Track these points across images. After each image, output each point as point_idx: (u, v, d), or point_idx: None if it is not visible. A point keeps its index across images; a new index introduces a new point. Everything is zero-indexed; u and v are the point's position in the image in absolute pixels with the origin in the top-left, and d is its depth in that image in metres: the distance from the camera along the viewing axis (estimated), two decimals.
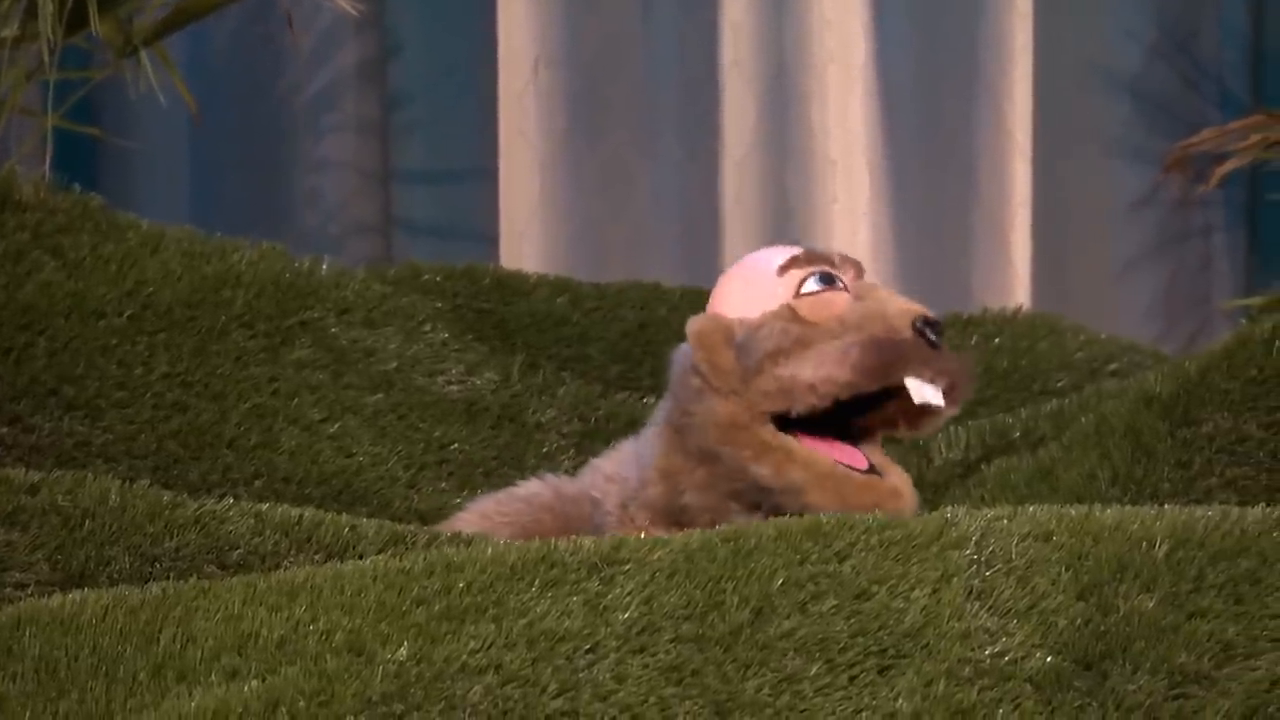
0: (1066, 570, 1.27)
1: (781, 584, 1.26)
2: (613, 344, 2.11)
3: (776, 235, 2.82)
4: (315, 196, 2.93)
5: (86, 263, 1.89)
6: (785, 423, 1.57)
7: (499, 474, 1.90)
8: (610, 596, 1.26)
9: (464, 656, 1.22)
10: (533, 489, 1.69)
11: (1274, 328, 1.66)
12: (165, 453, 1.82)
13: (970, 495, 1.77)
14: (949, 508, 1.34)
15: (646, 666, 1.22)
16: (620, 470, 1.66)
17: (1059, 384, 2.04)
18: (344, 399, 1.89)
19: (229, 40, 2.90)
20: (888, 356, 1.55)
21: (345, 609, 1.28)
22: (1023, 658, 1.23)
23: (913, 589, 1.26)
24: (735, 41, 2.83)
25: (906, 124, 2.85)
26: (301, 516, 1.51)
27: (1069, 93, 2.84)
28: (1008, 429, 1.89)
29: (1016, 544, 1.28)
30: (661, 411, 1.65)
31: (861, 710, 1.20)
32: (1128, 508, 1.34)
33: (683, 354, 1.62)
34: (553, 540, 1.33)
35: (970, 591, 1.26)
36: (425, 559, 1.32)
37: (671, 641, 1.23)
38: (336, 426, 1.87)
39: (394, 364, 1.95)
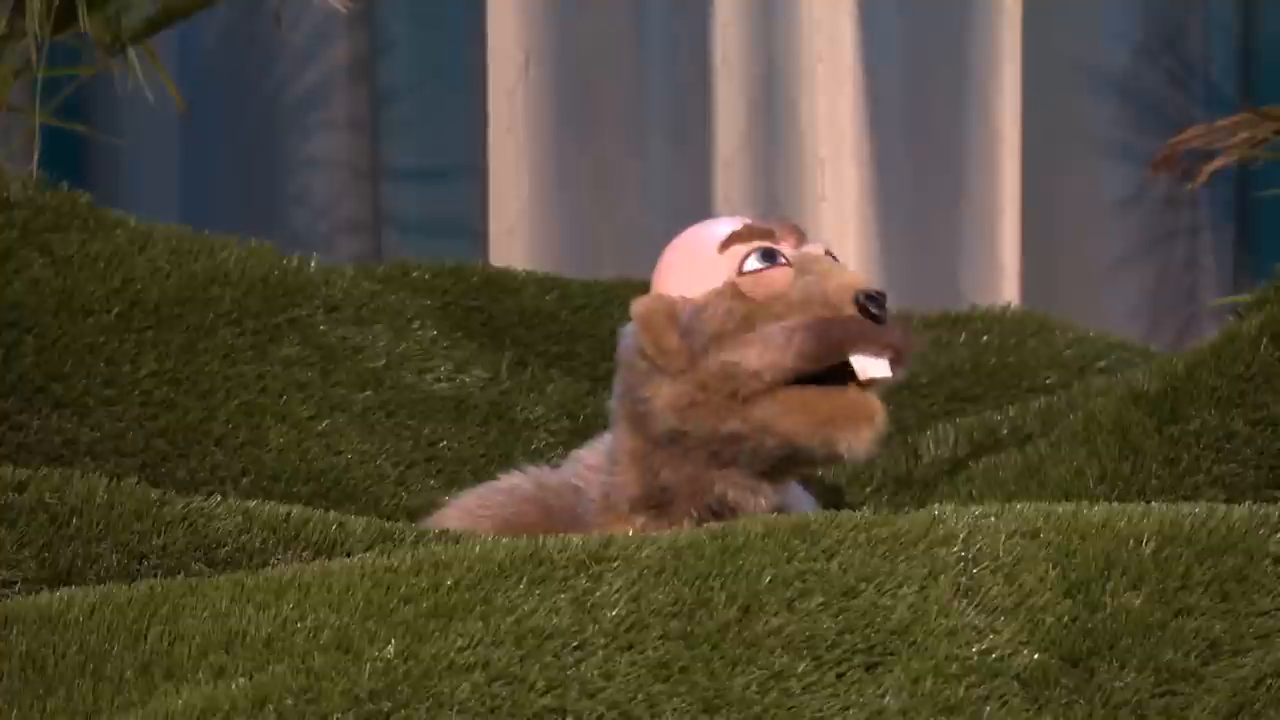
0: (1054, 568, 1.27)
1: (769, 581, 1.26)
2: (602, 341, 2.11)
3: None
4: (304, 194, 2.93)
5: (74, 260, 1.88)
6: None
7: (487, 471, 1.90)
8: (598, 594, 1.26)
9: (452, 654, 1.22)
10: (514, 481, 1.69)
11: (1261, 325, 1.67)
12: (153, 450, 1.81)
13: (958, 492, 1.77)
14: (937, 505, 1.35)
15: (634, 664, 1.22)
16: (602, 461, 1.66)
17: (1047, 381, 2.04)
18: (332, 396, 1.89)
19: (217, 38, 2.90)
20: (832, 339, 1.55)
21: (333, 607, 1.28)
22: (1010, 655, 1.23)
23: (900, 586, 1.26)
24: (724, 40, 2.83)
25: (895, 123, 2.85)
26: (289, 514, 1.51)
27: (1057, 91, 2.84)
28: (996, 426, 1.89)
29: (1004, 541, 1.28)
30: (615, 396, 1.65)
31: (849, 707, 1.20)
32: (1115, 505, 1.34)
33: (628, 335, 1.62)
34: (540, 538, 1.33)
35: (958, 589, 1.26)
36: (413, 557, 1.32)
37: (659, 639, 1.23)
38: (325, 424, 1.87)
39: (383, 361, 1.94)
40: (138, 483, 1.54)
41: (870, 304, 1.56)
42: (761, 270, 1.58)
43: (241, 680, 1.22)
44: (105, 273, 1.88)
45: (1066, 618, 1.25)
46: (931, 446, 1.89)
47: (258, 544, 1.49)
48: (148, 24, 2.42)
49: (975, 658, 1.23)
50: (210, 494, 1.56)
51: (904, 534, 1.29)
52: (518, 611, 1.25)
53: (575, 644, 1.23)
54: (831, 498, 1.85)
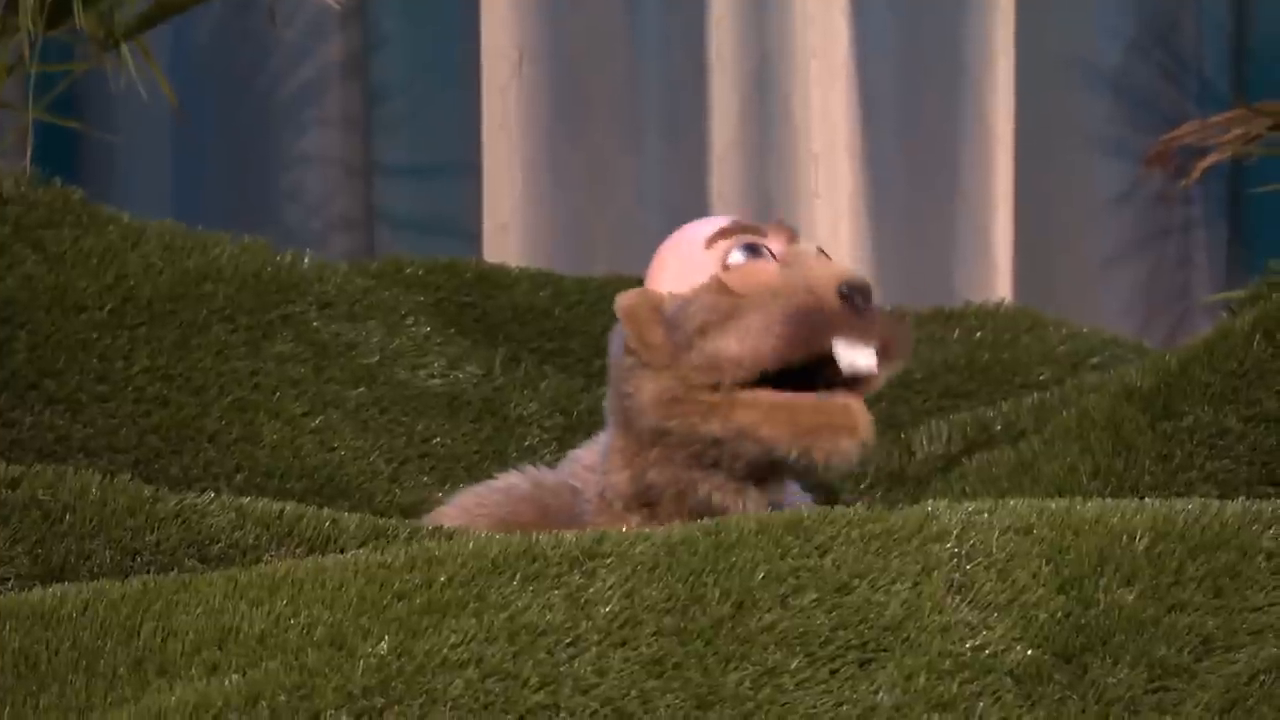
0: (1047, 564, 1.27)
1: (762, 578, 1.26)
2: (595, 338, 2.11)
3: None
4: (298, 191, 2.93)
5: (67, 256, 1.88)
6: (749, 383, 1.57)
7: (481, 468, 1.90)
8: (592, 590, 1.26)
9: (445, 650, 1.22)
10: (511, 480, 1.69)
11: (1254, 321, 1.67)
12: (146, 447, 1.81)
13: (951, 489, 1.78)
14: (930, 501, 1.35)
15: (628, 660, 1.22)
16: (598, 460, 1.66)
17: (1040, 377, 2.05)
18: (326, 393, 1.89)
19: (211, 34, 2.90)
20: (812, 325, 1.54)
21: (326, 603, 1.28)
22: (1003, 651, 1.23)
23: (893, 582, 1.26)
24: (718, 36, 2.83)
25: (888, 119, 2.85)
26: (283, 510, 1.51)
27: (1050, 87, 2.84)
28: (989, 422, 1.89)
29: (997, 537, 1.29)
30: (608, 395, 1.65)
31: (842, 704, 1.21)
32: (1108, 501, 1.34)
33: (617, 336, 1.63)
34: (534, 534, 1.33)
35: (951, 585, 1.26)
36: (406, 553, 1.32)
37: (653, 635, 1.23)
38: (318, 420, 1.87)
39: (376, 358, 1.94)
40: (131, 479, 1.54)
41: (854, 294, 1.55)
42: (745, 264, 1.58)
43: (235, 677, 1.22)
44: (98, 269, 1.88)
45: (1059, 614, 1.25)
46: (925, 443, 1.90)
47: (251, 541, 1.48)
48: (141, 20, 2.42)
49: (968, 654, 1.23)
50: (203, 490, 1.56)
51: (897, 530, 1.29)
52: (511, 608, 1.25)
53: (568, 640, 1.23)
54: (825, 494, 1.85)
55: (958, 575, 1.26)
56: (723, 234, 1.60)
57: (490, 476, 1.83)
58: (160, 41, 2.73)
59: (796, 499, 1.67)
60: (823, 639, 1.23)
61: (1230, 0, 2.84)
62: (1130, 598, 1.25)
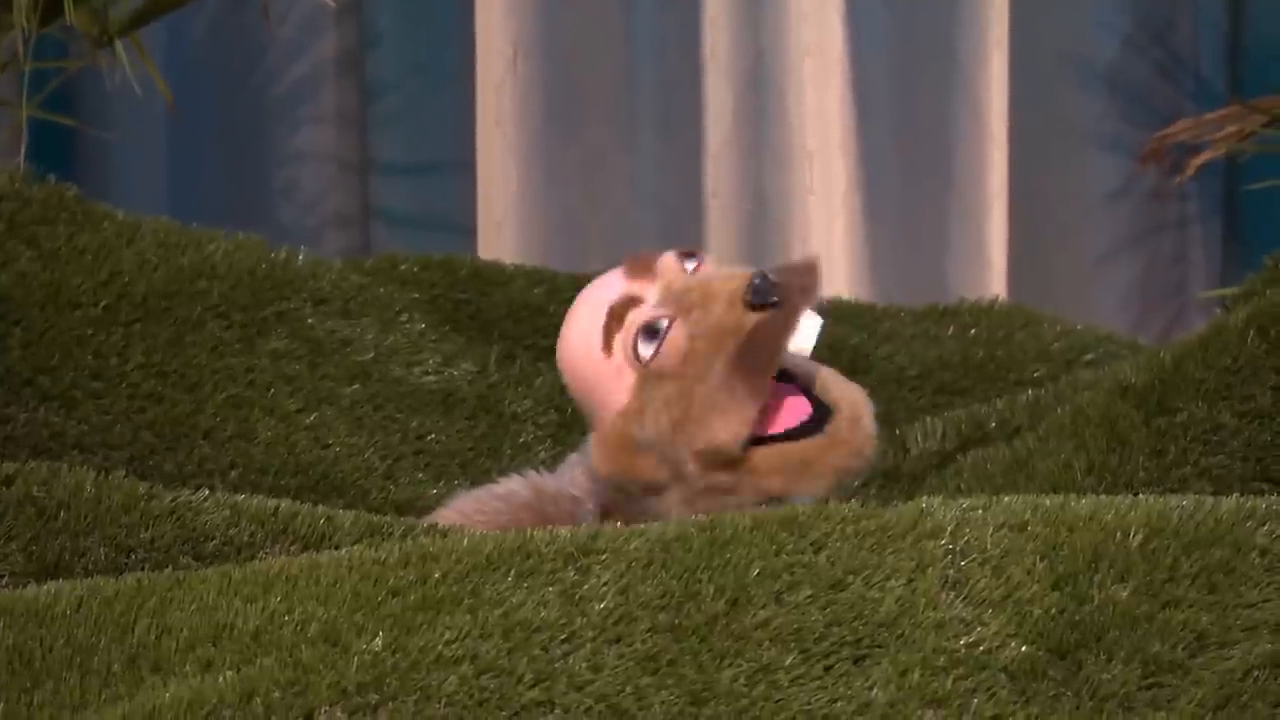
0: (1041, 560, 1.27)
1: (757, 574, 1.26)
2: None
3: (753, 226, 2.82)
4: (293, 188, 2.93)
5: (62, 253, 1.88)
6: None
7: (475, 464, 1.90)
8: (586, 587, 1.26)
9: (439, 647, 1.22)
10: (512, 487, 1.68)
11: (1249, 318, 1.67)
12: (141, 443, 1.81)
13: (946, 485, 1.78)
14: (925, 498, 1.35)
15: (623, 656, 1.22)
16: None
17: (1035, 374, 2.05)
18: (320, 390, 1.89)
19: (206, 31, 2.90)
20: (762, 356, 1.51)
21: (320, 600, 1.28)
22: (998, 647, 1.23)
23: (888, 579, 1.26)
24: (712, 34, 2.83)
25: (883, 116, 2.85)
26: (277, 507, 1.51)
27: (1045, 84, 2.85)
28: (984, 419, 1.89)
29: (992, 534, 1.29)
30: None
31: (836, 700, 1.21)
32: (1103, 497, 1.34)
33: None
34: (529, 530, 1.33)
35: (945, 581, 1.26)
36: (401, 549, 1.32)
37: (648, 631, 1.23)
38: (313, 417, 1.87)
39: (371, 355, 1.94)
40: (125, 476, 1.54)
41: (761, 297, 1.50)
42: (657, 348, 1.54)
43: (229, 673, 1.22)
44: (93, 266, 1.88)
45: (1054, 610, 1.25)
46: (919, 439, 1.90)
47: (246, 537, 1.48)
48: (135, 17, 2.42)
49: (963, 650, 1.23)
50: (198, 487, 1.56)
51: (892, 527, 1.30)
52: (505, 604, 1.25)
53: (563, 637, 1.23)
54: None
55: (952, 572, 1.27)
56: (609, 332, 1.55)
57: (485, 473, 1.83)
58: (154, 38, 2.73)
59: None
60: (817, 635, 1.23)
61: None
62: (1124, 594, 1.25)
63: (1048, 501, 1.32)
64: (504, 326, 2.10)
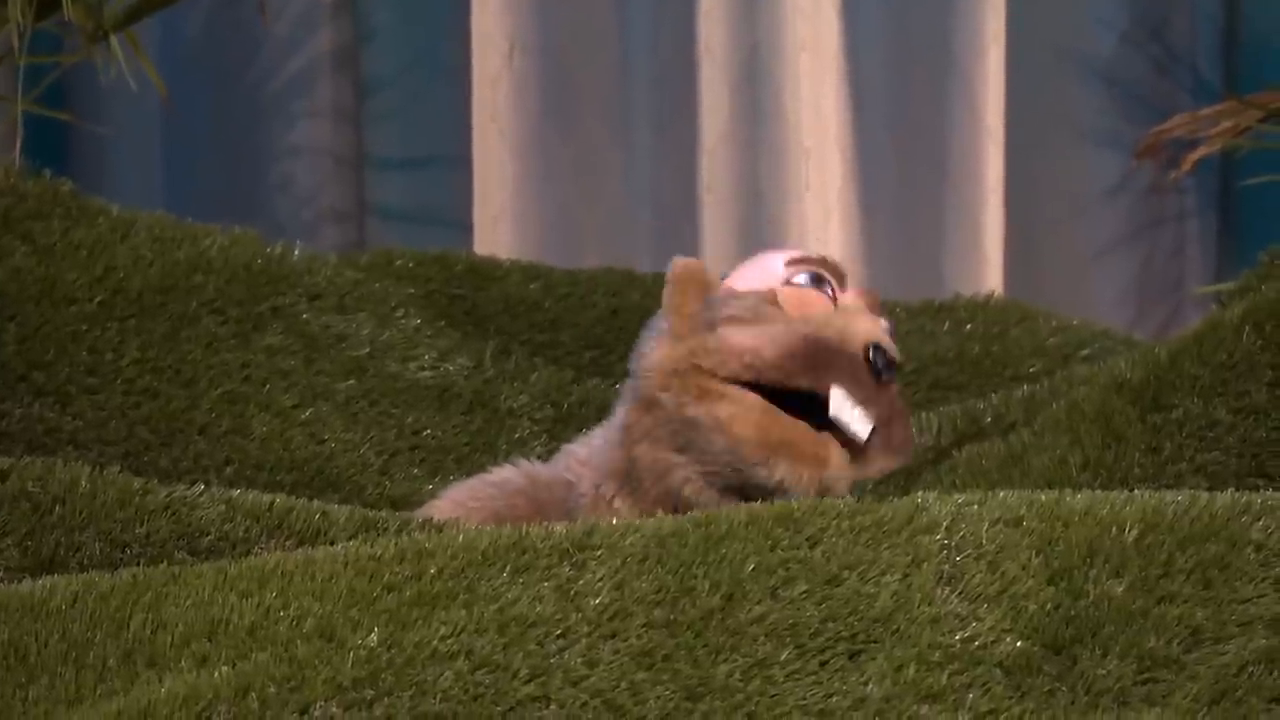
0: (1036, 555, 1.27)
1: (752, 569, 1.26)
2: (585, 330, 2.11)
3: (749, 222, 2.82)
4: (288, 183, 2.92)
5: (57, 248, 1.88)
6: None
7: (471, 460, 1.90)
8: (582, 582, 1.26)
9: (435, 642, 1.22)
10: (505, 474, 1.69)
11: (1244, 314, 1.67)
12: (136, 439, 1.81)
13: (941, 481, 1.78)
14: (920, 493, 1.35)
15: (618, 652, 1.22)
16: (593, 455, 1.66)
17: (1031, 370, 2.05)
18: (316, 385, 1.89)
19: (201, 26, 2.90)
20: (818, 356, 1.55)
21: (316, 595, 1.28)
22: (993, 642, 1.23)
23: (883, 574, 1.26)
24: (708, 29, 2.83)
25: (879, 111, 2.85)
26: (273, 503, 1.51)
27: (1041, 79, 2.84)
28: (979, 415, 1.89)
29: (987, 529, 1.29)
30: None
31: (832, 695, 1.21)
32: (1098, 493, 1.34)
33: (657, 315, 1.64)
34: (524, 526, 1.33)
35: (940, 576, 1.26)
36: (396, 545, 1.32)
37: (643, 627, 1.23)
38: (308, 413, 1.87)
39: (366, 350, 1.94)
40: (120, 471, 1.54)
41: (875, 354, 1.56)
42: (803, 288, 1.60)
43: (224, 669, 1.22)
44: (87, 261, 1.88)
45: (1049, 605, 1.25)
46: (914, 435, 1.89)
47: (241, 533, 1.48)
48: (130, 12, 2.42)
49: (958, 645, 1.23)
50: (193, 483, 1.56)
51: (887, 522, 1.30)
52: (501, 600, 1.25)
53: (558, 632, 1.23)
54: None
55: (947, 567, 1.27)
56: (805, 260, 1.63)
57: (481, 469, 1.83)
58: (150, 33, 2.73)
59: None
60: (812, 630, 1.23)
61: None
62: (1120, 589, 1.25)
63: (1043, 497, 1.32)
64: (500, 322, 2.10)
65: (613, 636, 1.23)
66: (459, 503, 1.67)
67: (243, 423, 1.84)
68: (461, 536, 1.33)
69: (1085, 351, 2.08)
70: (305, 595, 1.28)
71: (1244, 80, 2.76)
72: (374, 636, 1.22)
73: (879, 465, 1.59)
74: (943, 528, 1.29)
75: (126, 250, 1.90)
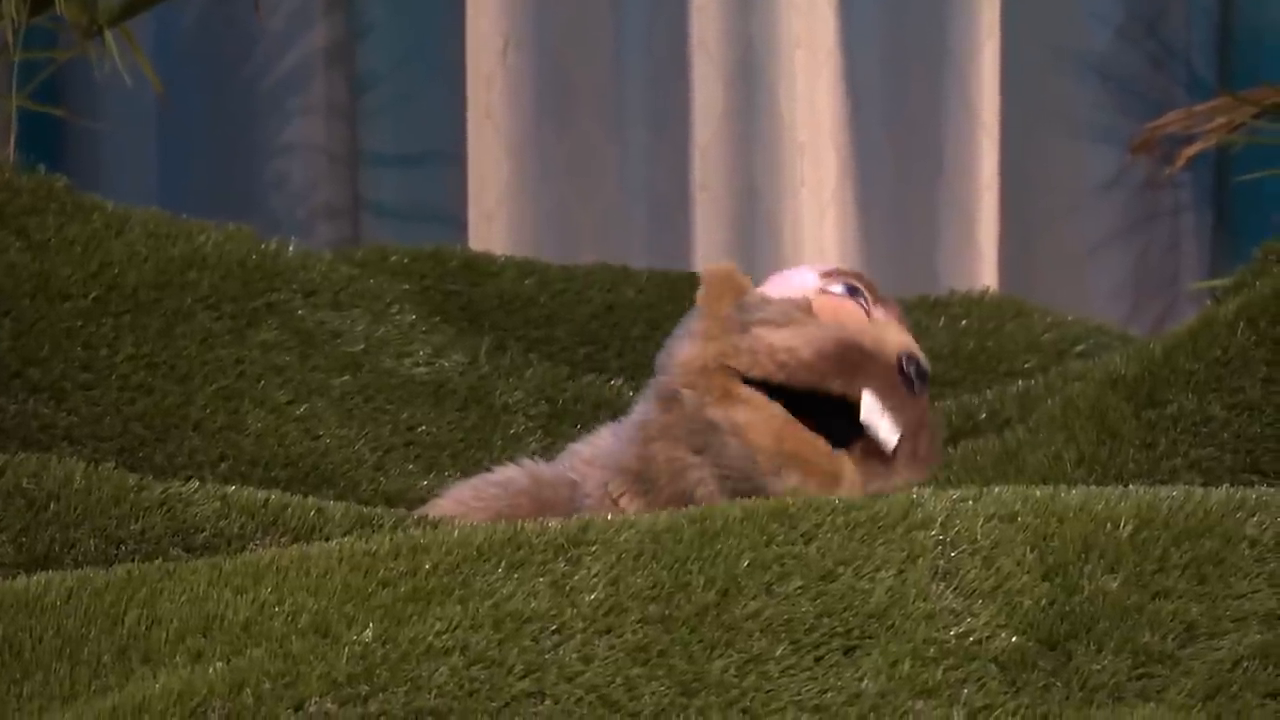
0: (1031, 551, 1.27)
1: (747, 565, 1.26)
2: (580, 326, 2.11)
3: (744, 218, 2.82)
4: (283, 179, 2.92)
5: (51, 244, 1.88)
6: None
7: (466, 456, 1.90)
8: (577, 578, 1.26)
9: (430, 638, 1.22)
10: (508, 474, 1.69)
11: (1239, 309, 1.67)
12: (131, 435, 1.81)
13: (936, 477, 1.78)
14: (915, 489, 1.35)
15: (613, 647, 1.22)
16: (598, 454, 1.65)
17: (1026, 365, 2.05)
18: (311, 381, 1.89)
19: (195, 22, 2.89)
20: (852, 360, 1.55)
21: (311, 591, 1.28)
22: (988, 638, 1.23)
23: (878, 570, 1.26)
24: (702, 25, 2.83)
25: (874, 107, 2.85)
26: (268, 499, 1.51)
27: (1036, 74, 2.84)
28: (974, 410, 1.89)
29: (982, 525, 1.29)
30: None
31: (827, 691, 1.21)
32: (1093, 489, 1.34)
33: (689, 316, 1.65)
34: (519, 522, 1.33)
35: (936, 572, 1.26)
36: (391, 541, 1.32)
37: (638, 622, 1.23)
38: (303, 409, 1.87)
39: (361, 346, 1.94)
40: (115, 467, 1.54)
41: (909, 364, 1.57)
42: (838, 296, 1.60)
43: (219, 664, 1.22)
44: (82, 257, 1.88)
45: (1044, 601, 1.25)
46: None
47: (236, 529, 1.48)
48: (125, 7, 2.41)
49: (953, 641, 1.23)
50: (188, 479, 1.56)
51: (882, 518, 1.30)
52: (496, 595, 1.25)
53: (553, 628, 1.23)
54: None
55: (942, 562, 1.27)
56: (839, 273, 1.65)
57: (476, 465, 1.83)
58: (144, 29, 2.73)
59: None
60: (807, 626, 1.23)
61: None
62: (1114, 585, 1.25)
63: (1038, 492, 1.33)
64: (495, 318, 2.10)
65: (608, 632, 1.23)
66: (461, 501, 1.67)
67: (238, 419, 1.84)
68: (456, 532, 1.33)
69: (1080, 347, 2.08)
70: (300, 591, 1.28)
71: (1239, 76, 2.76)
72: (369, 632, 1.22)
73: (903, 476, 1.59)
74: (938, 523, 1.29)
75: (121, 246, 1.90)
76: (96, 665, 1.26)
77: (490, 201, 2.86)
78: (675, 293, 2.09)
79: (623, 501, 1.61)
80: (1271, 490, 1.33)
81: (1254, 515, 1.29)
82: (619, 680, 1.21)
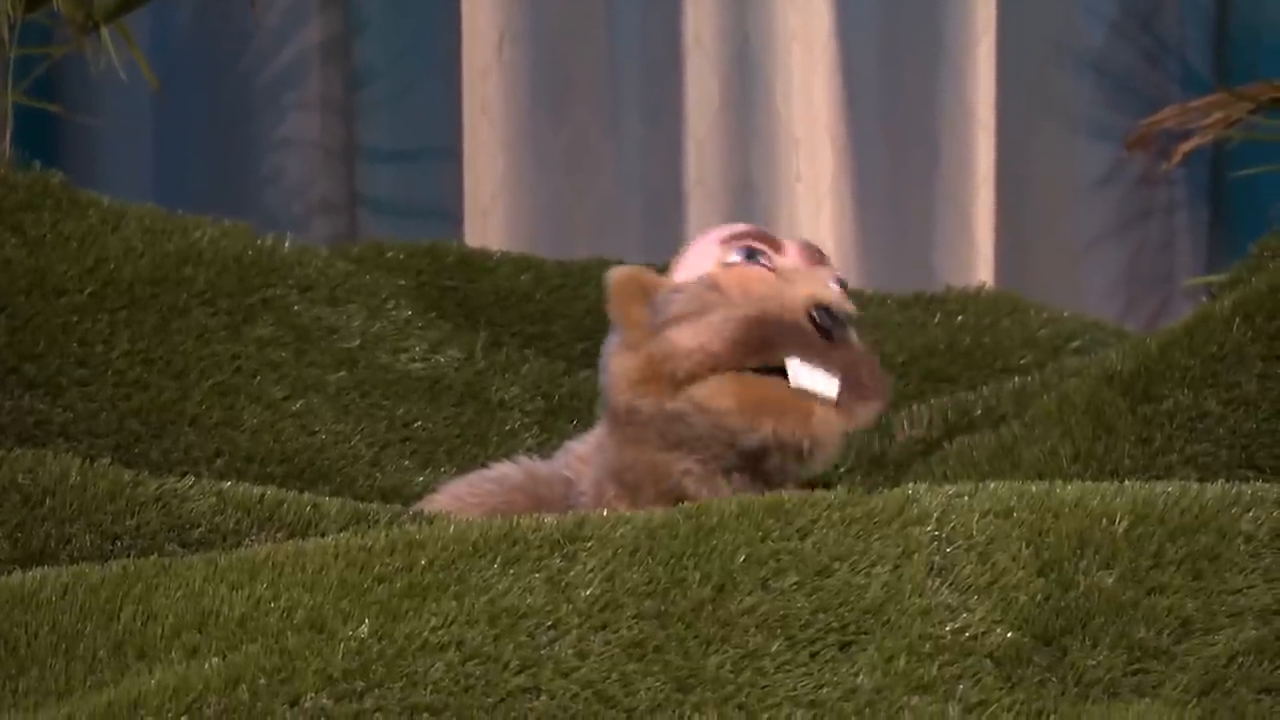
0: (1027, 546, 1.27)
1: (743, 561, 1.26)
2: (576, 321, 2.11)
3: (740, 213, 2.82)
4: (279, 175, 2.92)
5: (47, 240, 1.88)
6: None
7: (462, 452, 1.90)
8: (572, 573, 1.26)
9: (425, 634, 1.22)
10: (504, 470, 1.68)
11: (1234, 305, 1.67)
12: (126, 431, 1.81)
13: (932, 472, 1.78)
14: (910, 485, 1.35)
15: (609, 643, 1.22)
16: (594, 452, 1.65)
17: (1021, 361, 2.05)
18: (307, 377, 1.89)
19: (191, 18, 2.89)
20: (765, 334, 1.55)
21: (306, 586, 1.28)
22: (983, 633, 1.23)
23: (874, 565, 1.26)
24: (697, 19, 2.83)
25: (870, 102, 2.85)
26: (264, 495, 1.51)
27: (1032, 70, 2.84)
28: (970, 406, 1.89)
29: (977, 520, 1.29)
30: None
31: (822, 686, 1.21)
32: (1088, 484, 1.34)
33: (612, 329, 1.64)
34: (515, 518, 1.33)
35: (931, 568, 1.26)
36: (387, 537, 1.32)
37: (633, 618, 1.23)
38: (299, 404, 1.87)
39: (357, 342, 1.94)
40: (111, 463, 1.54)
41: (820, 315, 1.56)
42: (739, 266, 1.59)
43: (214, 660, 1.22)
44: (78, 252, 1.88)
45: (1039, 596, 1.25)
46: (905, 426, 1.90)
47: (232, 525, 1.48)
48: (120, 3, 2.41)
49: (948, 636, 1.23)
50: (184, 475, 1.56)
51: (878, 513, 1.30)
52: (492, 591, 1.25)
53: (549, 623, 1.23)
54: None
55: (938, 558, 1.27)
56: (736, 236, 1.62)
57: (472, 460, 1.83)
58: (140, 24, 2.73)
59: None
60: (803, 622, 1.23)
61: None
62: (1110, 580, 1.25)
63: (1033, 488, 1.33)
64: (491, 313, 2.10)
65: (603, 628, 1.23)
66: (457, 497, 1.67)
67: (233, 414, 1.84)
68: (452, 528, 1.33)
69: (1076, 343, 2.08)
70: (296, 587, 1.28)
71: (1234, 71, 2.77)
72: (365, 628, 1.22)
73: (860, 414, 1.58)
74: (933, 519, 1.29)
75: (117, 242, 1.90)
76: (92, 661, 1.26)
77: (486, 196, 2.86)
78: None
79: (615, 504, 1.61)
80: (1267, 485, 1.33)
81: (1249, 510, 1.29)
82: (614, 676, 1.21)
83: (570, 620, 1.23)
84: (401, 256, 2.12)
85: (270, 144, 2.92)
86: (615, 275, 1.62)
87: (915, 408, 1.91)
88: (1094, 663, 1.22)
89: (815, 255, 1.64)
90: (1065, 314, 2.17)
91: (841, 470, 1.89)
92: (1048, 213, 2.87)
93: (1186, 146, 2.55)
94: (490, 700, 1.19)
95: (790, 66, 2.82)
